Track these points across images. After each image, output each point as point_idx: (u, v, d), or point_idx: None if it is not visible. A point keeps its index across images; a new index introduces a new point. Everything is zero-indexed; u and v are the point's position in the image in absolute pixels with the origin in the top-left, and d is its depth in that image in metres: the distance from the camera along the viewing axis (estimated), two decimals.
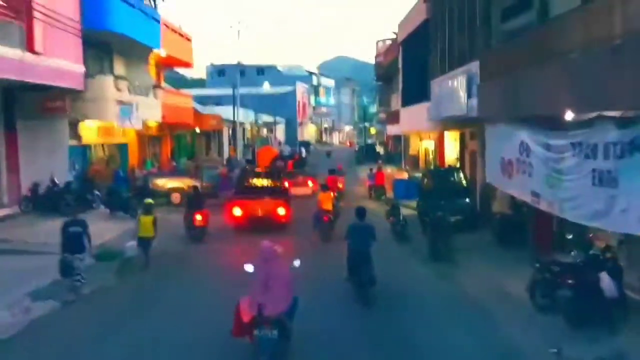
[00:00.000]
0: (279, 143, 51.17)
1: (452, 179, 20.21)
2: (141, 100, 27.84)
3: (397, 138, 53.26)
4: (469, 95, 16.82)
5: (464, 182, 20.02)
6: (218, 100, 62.20)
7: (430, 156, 32.67)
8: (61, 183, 22.44)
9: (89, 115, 23.96)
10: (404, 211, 24.56)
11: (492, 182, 15.79)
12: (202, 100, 55.56)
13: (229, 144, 48.96)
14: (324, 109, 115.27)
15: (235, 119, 44.35)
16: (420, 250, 16.60)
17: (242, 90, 74.17)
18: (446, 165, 28.43)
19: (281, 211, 18.92)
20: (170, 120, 32.45)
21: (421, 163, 34.54)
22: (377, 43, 48.19)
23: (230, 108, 54.34)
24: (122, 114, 24.82)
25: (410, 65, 28.41)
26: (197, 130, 40.21)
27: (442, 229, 15.92)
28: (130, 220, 21.48)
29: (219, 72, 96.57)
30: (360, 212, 12.82)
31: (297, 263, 9.33)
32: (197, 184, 26.72)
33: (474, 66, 16.49)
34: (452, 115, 18.57)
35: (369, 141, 77.39)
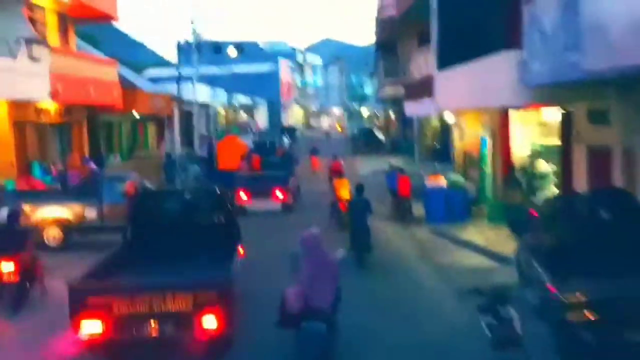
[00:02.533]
0: (250, 129, 38.67)
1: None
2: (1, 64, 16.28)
3: (406, 122, 41.88)
4: None
5: None
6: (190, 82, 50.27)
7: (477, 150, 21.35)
8: None
9: None
10: (464, 258, 13.65)
11: None
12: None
13: (187, 132, 36.71)
14: (310, 90, 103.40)
15: (193, 97, 32.46)
16: None
17: (216, 70, 62.64)
18: (516, 166, 17.18)
19: (209, 322, 7.09)
20: (70, 99, 20.79)
21: (458, 159, 23.17)
22: None
23: (198, 87, 42.65)
24: None
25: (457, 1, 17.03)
26: (136, 114, 28.55)
27: None
28: None
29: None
30: (359, 189, 13.91)
31: (340, 253, 8.62)
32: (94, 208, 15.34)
33: None
34: None
35: (365, 125, 65.42)
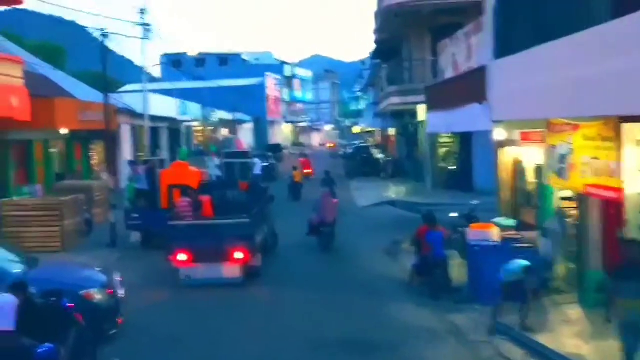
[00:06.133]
0: (230, 148, 31.36)
1: None
2: None
3: (411, 138, 35.06)
4: None
5: None
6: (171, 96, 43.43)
7: (531, 177, 14.39)
8: None
9: None
10: None
11: None
12: None
13: (136, 151, 28.94)
14: (300, 106, 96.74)
15: (144, 110, 25.42)
16: None
17: (200, 83, 56.23)
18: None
19: None
20: None
21: (505, 190, 16.14)
22: None
23: (160, 99, 35.87)
24: None
25: None
26: (64, 131, 21.48)
27: None
28: None
29: (174, 63, 78.79)
30: (327, 172, 23.74)
31: (336, 200, 16.94)
32: None
33: None
34: None
35: (361, 143, 57.99)
